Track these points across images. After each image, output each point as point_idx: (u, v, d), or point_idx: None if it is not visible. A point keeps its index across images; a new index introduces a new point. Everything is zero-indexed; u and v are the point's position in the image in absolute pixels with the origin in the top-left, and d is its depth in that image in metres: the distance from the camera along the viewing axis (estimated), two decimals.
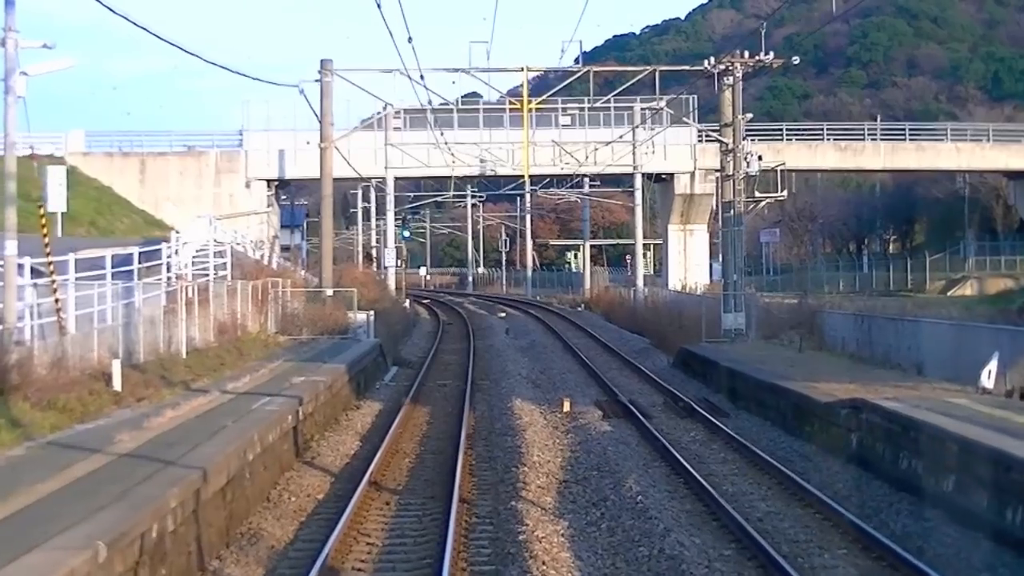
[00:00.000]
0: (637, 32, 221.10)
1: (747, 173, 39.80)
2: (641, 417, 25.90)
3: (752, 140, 70.78)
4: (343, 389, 27.34)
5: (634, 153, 61.85)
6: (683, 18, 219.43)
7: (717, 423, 24.92)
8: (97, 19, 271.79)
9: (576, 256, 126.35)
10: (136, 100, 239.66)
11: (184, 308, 26.98)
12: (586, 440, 22.96)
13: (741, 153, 39.68)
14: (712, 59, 40.31)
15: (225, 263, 36.01)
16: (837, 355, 31.73)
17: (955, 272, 78.52)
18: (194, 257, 37.05)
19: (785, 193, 41.34)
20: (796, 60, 41.17)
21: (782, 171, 42.59)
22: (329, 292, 39.95)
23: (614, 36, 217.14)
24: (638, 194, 62.83)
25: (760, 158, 40.61)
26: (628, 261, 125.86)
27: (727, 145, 40.38)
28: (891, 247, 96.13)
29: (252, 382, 24.28)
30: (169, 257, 32.23)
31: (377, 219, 79.14)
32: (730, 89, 39.89)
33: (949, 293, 73.70)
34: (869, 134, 68.14)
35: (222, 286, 31.89)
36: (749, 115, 40.24)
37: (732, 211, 39.71)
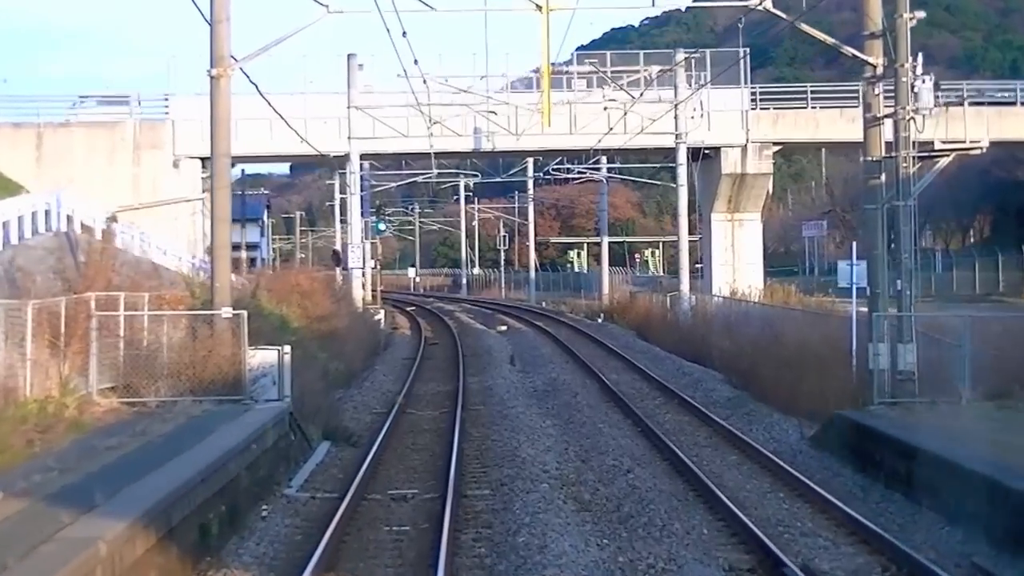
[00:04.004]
0: (636, 25, 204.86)
1: (916, 109, 22.63)
2: None
3: (816, 108, 53.96)
4: None
5: (676, 117, 44.54)
6: (683, 10, 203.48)
7: None
8: (91, 23, 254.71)
9: (579, 255, 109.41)
10: None
11: None
12: None
13: (908, 77, 22.50)
14: None
15: None
16: None
17: None
18: None
19: (985, 143, 24.11)
20: None
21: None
22: (225, 314, 22.57)
23: (612, 29, 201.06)
24: (681, 171, 45.37)
25: (938, 84, 23.47)
26: (638, 260, 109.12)
27: (875, 68, 23.25)
28: (950, 242, 78.92)
29: None
30: None
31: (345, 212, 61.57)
32: None
33: None
34: (969, 96, 50.73)
35: None
36: (920, 13, 23.07)
37: (895, 174, 22.56)
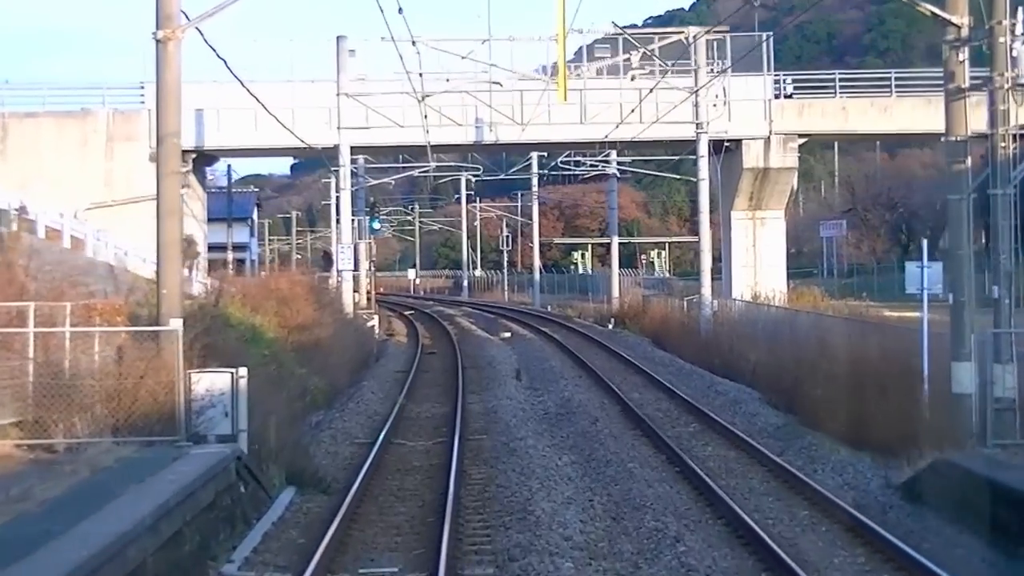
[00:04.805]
0: (639, 24, 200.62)
1: (1016, 77, 18.32)
2: None
3: (845, 95, 49.44)
4: None
5: (696, 105, 40.08)
6: (687, 8, 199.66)
7: None
8: (89, 24, 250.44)
9: (583, 257, 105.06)
10: None
11: None
12: None
13: (1007, 37, 18.21)
14: None
15: None
16: None
17: None
18: None
19: None
20: None
21: None
22: (174, 327, 18.17)
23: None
24: (703, 164, 40.78)
25: None
26: (644, 261, 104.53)
27: (959, 28, 18.97)
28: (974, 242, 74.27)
29: None
30: None
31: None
32: None
33: None
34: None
35: None
36: None
37: (987, 157, 18.32)
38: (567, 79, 39.95)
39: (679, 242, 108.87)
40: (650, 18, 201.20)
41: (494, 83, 37.51)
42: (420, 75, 31.00)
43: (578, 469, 17.90)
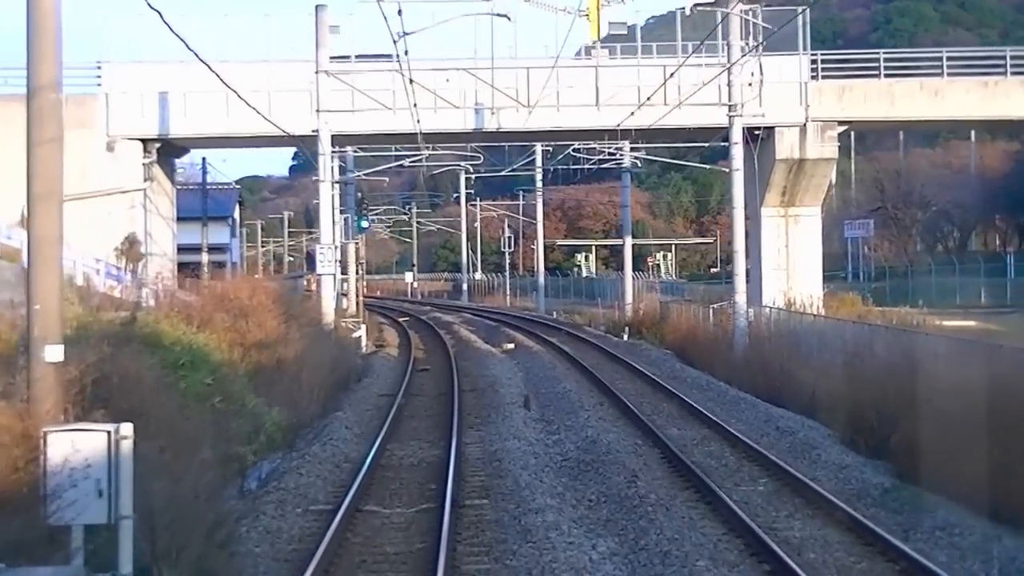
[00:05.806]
0: (641, 24, 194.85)
1: None
2: None
3: (888, 78, 43.59)
4: None
5: (729, 85, 34.15)
6: (688, 12, 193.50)
7: None
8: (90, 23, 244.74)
9: (587, 259, 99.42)
10: None
11: None
12: None
13: None
14: None
15: None
16: None
17: None
18: None
19: None
20: None
21: None
22: (52, 356, 12.42)
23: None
24: (736, 152, 34.43)
25: None
26: (650, 264, 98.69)
27: None
28: (1007, 243, 68.49)
29: None
30: None
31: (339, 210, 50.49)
32: None
33: None
34: None
35: None
36: None
37: None
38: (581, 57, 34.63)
39: (686, 244, 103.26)
40: (652, 18, 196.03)
41: (499, 15, 31.61)
42: (399, 12, 24.89)
43: (623, 568, 12.03)
